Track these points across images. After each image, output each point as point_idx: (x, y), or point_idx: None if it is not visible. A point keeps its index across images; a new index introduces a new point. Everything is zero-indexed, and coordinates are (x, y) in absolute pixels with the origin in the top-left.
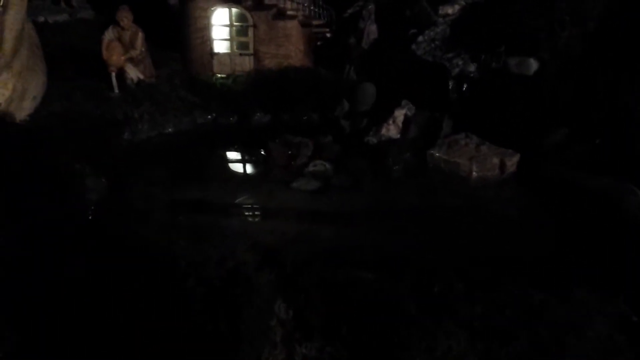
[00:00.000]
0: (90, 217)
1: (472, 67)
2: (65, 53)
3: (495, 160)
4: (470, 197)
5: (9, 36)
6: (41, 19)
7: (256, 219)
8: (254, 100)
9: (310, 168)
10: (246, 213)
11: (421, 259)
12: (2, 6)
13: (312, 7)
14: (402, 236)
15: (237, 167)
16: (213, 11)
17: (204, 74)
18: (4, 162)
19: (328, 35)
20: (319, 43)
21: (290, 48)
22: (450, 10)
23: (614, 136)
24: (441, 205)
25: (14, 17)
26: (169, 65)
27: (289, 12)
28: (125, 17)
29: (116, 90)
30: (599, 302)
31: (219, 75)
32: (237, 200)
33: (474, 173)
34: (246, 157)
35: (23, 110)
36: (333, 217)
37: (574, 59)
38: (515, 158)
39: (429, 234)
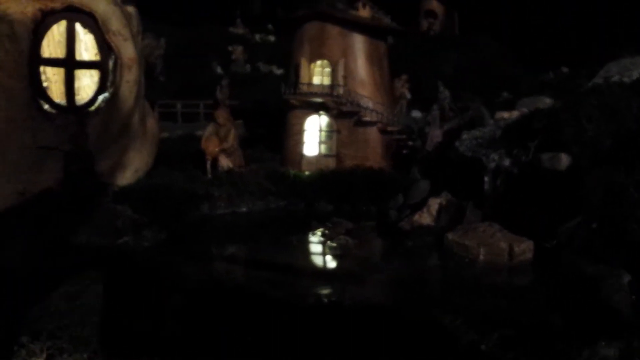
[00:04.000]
0: None
1: (506, 162)
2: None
3: (503, 245)
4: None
5: (117, 118)
6: None
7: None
8: (320, 192)
9: (334, 241)
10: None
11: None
12: (111, 94)
13: (389, 117)
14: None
15: (280, 235)
16: (306, 119)
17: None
18: None
19: (410, 143)
20: (405, 152)
21: (368, 151)
22: (506, 115)
23: (611, 222)
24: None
25: (121, 104)
26: (263, 162)
27: (365, 119)
28: (220, 116)
29: (209, 175)
30: None
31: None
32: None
33: (481, 256)
34: (292, 231)
35: (124, 178)
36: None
37: (604, 153)
38: (525, 245)
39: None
